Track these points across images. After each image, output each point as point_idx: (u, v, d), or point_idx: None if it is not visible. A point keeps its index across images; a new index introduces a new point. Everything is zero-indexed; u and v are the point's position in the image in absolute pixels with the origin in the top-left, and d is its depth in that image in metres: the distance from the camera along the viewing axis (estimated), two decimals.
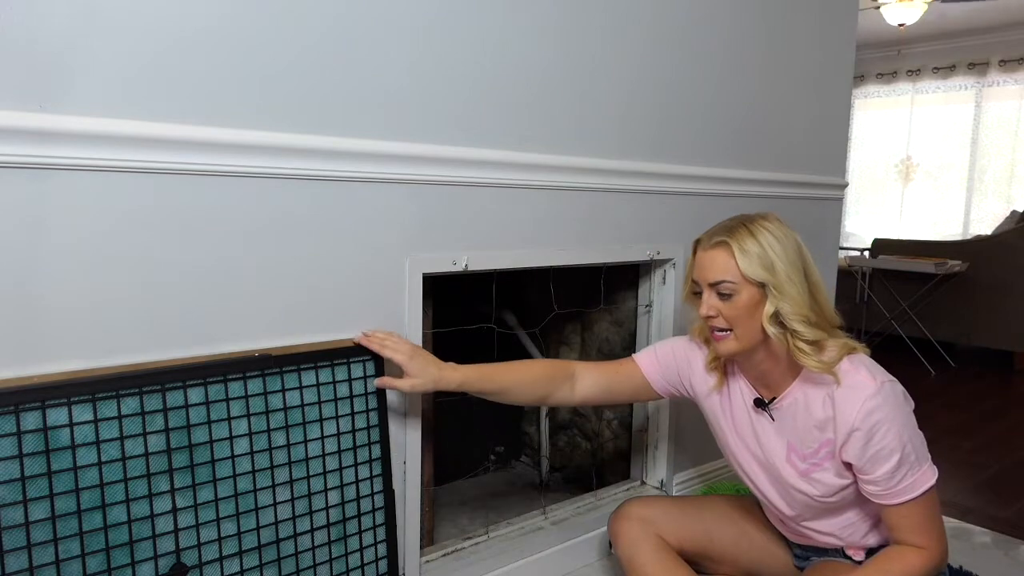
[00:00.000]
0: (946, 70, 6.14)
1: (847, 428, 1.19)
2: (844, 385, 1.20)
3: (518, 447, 2.31)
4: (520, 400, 1.43)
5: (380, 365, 1.26)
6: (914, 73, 6.33)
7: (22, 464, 0.89)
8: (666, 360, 1.45)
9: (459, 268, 1.42)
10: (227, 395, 1.06)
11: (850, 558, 1.35)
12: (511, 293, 1.97)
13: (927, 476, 1.21)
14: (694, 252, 1.30)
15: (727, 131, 1.94)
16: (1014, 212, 4.63)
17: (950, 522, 2.07)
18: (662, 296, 1.89)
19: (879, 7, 4.67)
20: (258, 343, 1.18)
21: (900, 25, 4.76)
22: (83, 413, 0.94)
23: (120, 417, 0.97)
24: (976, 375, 3.94)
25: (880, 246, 4.46)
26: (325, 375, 1.16)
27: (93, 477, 0.94)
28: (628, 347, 1.95)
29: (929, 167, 6.29)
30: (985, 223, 5.89)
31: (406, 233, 1.35)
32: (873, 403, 1.17)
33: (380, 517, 1.24)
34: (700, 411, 1.46)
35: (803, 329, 1.19)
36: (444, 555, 1.56)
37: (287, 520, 1.12)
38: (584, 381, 1.43)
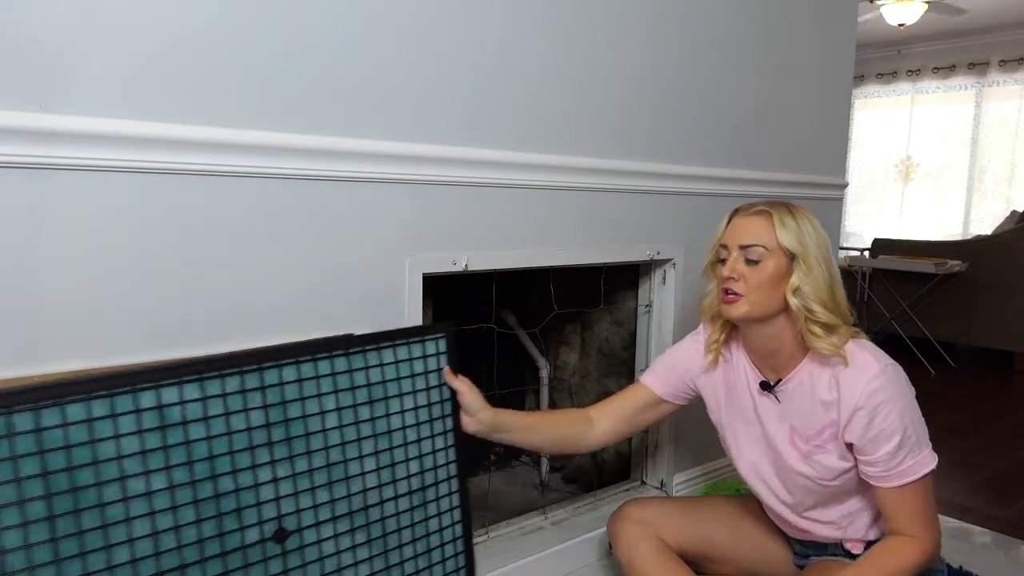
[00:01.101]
0: (946, 70, 6.14)
1: (851, 408, 1.21)
2: (850, 366, 1.22)
3: (518, 447, 2.31)
4: (545, 443, 1.47)
5: (451, 342, 1.32)
6: (914, 73, 6.33)
7: (142, 439, 0.96)
8: (666, 375, 1.47)
9: (459, 268, 1.42)
10: (316, 373, 1.14)
11: (849, 552, 1.35)
12: (511, 293, 1.97)
13: (927, 460, 1.22)
14: (729, 220, 1.33)
15: (727, 131, 1.94)
16: (1014, 212, 4.63)
17: (950, 522, 2.07)
18: (662, 296, 1.89)
19: (878, 6, 4.67)
20: (258, 342, 1.18)
21: (900, 25, 4.76)
22: (191, 392, 1.01)
23: (224, 395, 1.04)
24: (976, 375, 3.95)
25: (880, 246, 4.46)
26: (402, 352, 1.25)
27: (203, 450, 1.02)
28: (628, 347, 1.95)
29: (929, 167, 6.30)
30: (985, 223, 5.89)
31: (406, 233, 1.35)
32: (877, 383, 1.19)
33: (455, 484, 1.33)
34: (704, 409, 1.47)
35: (820, 311, 1.23)
36: None
37: (374, 488, 1.21)
38: (602, 422, 1.44)
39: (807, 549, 1.43)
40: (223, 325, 1.15)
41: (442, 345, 1.30)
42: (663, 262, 1.86)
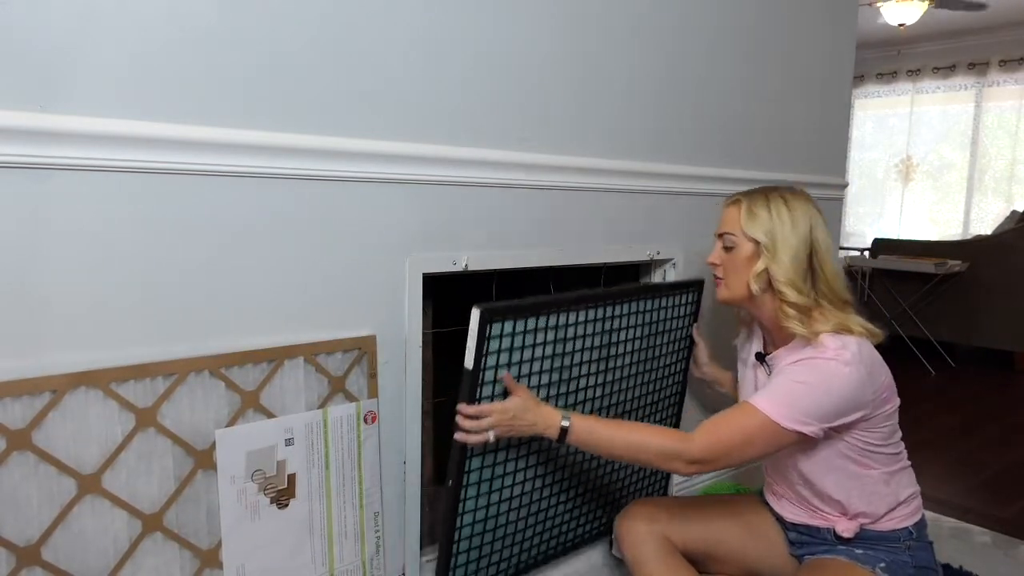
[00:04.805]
0: (946, 70, 6.15)
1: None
2: (814, 346, 1.28)
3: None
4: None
5: (699, 298, 1.72)
6: (914, 73, 6.33)
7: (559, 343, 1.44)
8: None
9: (459, 268, 1.42)
10: (628, 311, 1.57)
11: (841, 537, 1.36)
12: (511, 293, 1.97)
13: (778, 415, 1.24)
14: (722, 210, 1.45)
15: (727, 131, 1.94)
16: (1014, 212, 4.63)
17: (950, 522, 2.07)
18: None
19: (876, 5, 4.67)
20: (259, 341, 1.18)
21: (900, 25, 4.76)
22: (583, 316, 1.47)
23: (576, 324, 1.46)
24: (976, 375, 3.95)
25: (880, 246, 4.46)
26: (678, 299, 1.67)
27: (568, 350, 1.47)
28: None
29: (929, 167, 6.30)
30: (985, 223, 5.90)
31: (406, 233, 1.35)
32: (817, 355, 1.26)
33: (677, 400, 1.81)
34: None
35: (789, 292, 1.30)
36: None
37: (648, 386, 1.71)
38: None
39: (802, 537, 1.44)
40: (223, 325, 1.15)
41: (693, 297, 1.71)
42: (663, 262, 1.86)
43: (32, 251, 0.98)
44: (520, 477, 1.46)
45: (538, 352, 1.40)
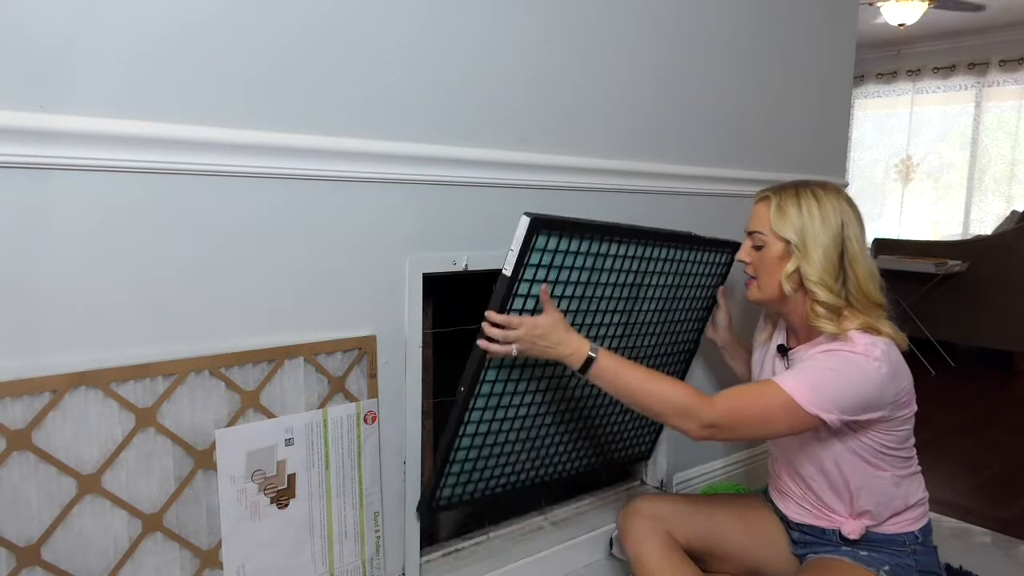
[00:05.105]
0: (946, 70, 6.15)
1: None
2: (843, 341, 1.27)
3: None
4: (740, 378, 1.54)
5: (732, 257, 1.67)
6: (914, 73, 6.33)
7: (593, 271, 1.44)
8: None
9: (459, 268, 1.42)
10: (662, 256, 1.56)
11: (846, 538, 1.36)
12: None
13: (800, 396, 1.22)
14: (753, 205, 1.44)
15: (727, 131, 1.94)
16: (1014, 212, 4.63)
17: (950, 522, 2.07)
18: None
19: (876, 4, 4.67)
20: (259, 341, 1.18)
21: (900, 25, 4.76)
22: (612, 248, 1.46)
23: (614, 256, 1.46)
24: (976, 375, 3.95)
25: (880, 246, 4.46)
26: (711, 257, 1.68)
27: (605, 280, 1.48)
28: None
29: (929, 167, 6.30)
30: (985, 223, 5.90)
31: (406, 233, 1.35)
32: (844, 349, 1.25)
33: (691, 348, 1.85)
34: None
35: (820, 292, 1.28)
36: (444, 555, 1.56)
37: (665, 336, 1.74)
38: None
39: (806, 537, 1.44)
40: (223, 325, 1.15)
41: (726, 258, 1.71)
42: None
43: (32, 251, 0.98)
44: (529, 399, 1.48)
45: (573, 276, 1.39)
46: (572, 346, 1.26)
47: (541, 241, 1.28)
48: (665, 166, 1.78)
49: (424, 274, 1.38)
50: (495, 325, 1.26)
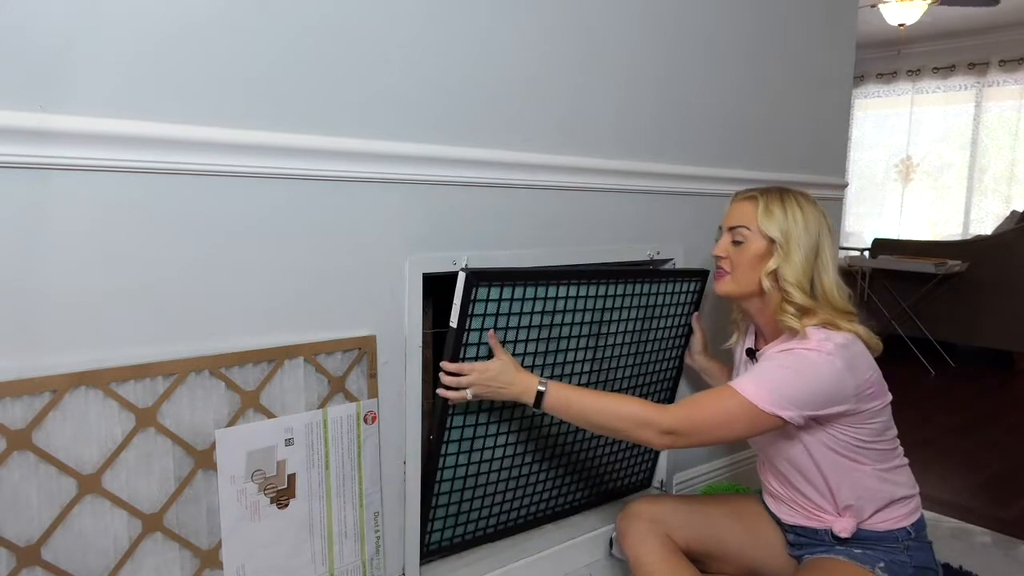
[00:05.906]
0: (946, 70, 6.14)
1: None
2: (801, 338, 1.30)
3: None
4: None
5: (702, 288, 1.75)
6: (914, 73, 6.33)
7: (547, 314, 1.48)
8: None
9: (459, 268, 1.42)
10: (624, 292, 1.60)
11: (838, 537, 1.36)
12: None
13: (757, 398, 1.24)
14: (730, 203, 1.47)
15: (727, 131, 1.94)
16: (1014, 212, 4.63)
17: (950, 522, 2.07)
18: None
19: (875, 5, 4.67)
20: (259, 341, 1.18)
21: (900, 25, 4.76)
22: (565, 291, 1.49)
23: (566, 298, 1.50)
24: (976, 375, 3.95)
25: (880, 246, 4.46)
26: (680, 287, 1.70)
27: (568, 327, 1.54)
28: None
29: (929, 167, 6.29)
30: (985, 223, 5.89)
31: (406, 233, 1.35)
32: (798, 346, 1.28)
33: (672, 381, 1.85)
34: None
35: (795, 293, 1.32)
36: (444, 554, 1.56)
37: (640, 367, 1.75)
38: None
39: (800, 538, 1.44)
40: (223, 325, 1.15)
41: (695, 286, 1.73)
42: (663, 262, 1.86)
43: (32, 251, 0.98)
44: (501, 440, 1.51)
45: (525, 321, 1.44)
46: (523, 384, 1.33)
47: (482, 293, 1.35)
48: (665, 166, 1.78)
49: (424, 274, 1.38)
50: (450, 374, 1.34)
